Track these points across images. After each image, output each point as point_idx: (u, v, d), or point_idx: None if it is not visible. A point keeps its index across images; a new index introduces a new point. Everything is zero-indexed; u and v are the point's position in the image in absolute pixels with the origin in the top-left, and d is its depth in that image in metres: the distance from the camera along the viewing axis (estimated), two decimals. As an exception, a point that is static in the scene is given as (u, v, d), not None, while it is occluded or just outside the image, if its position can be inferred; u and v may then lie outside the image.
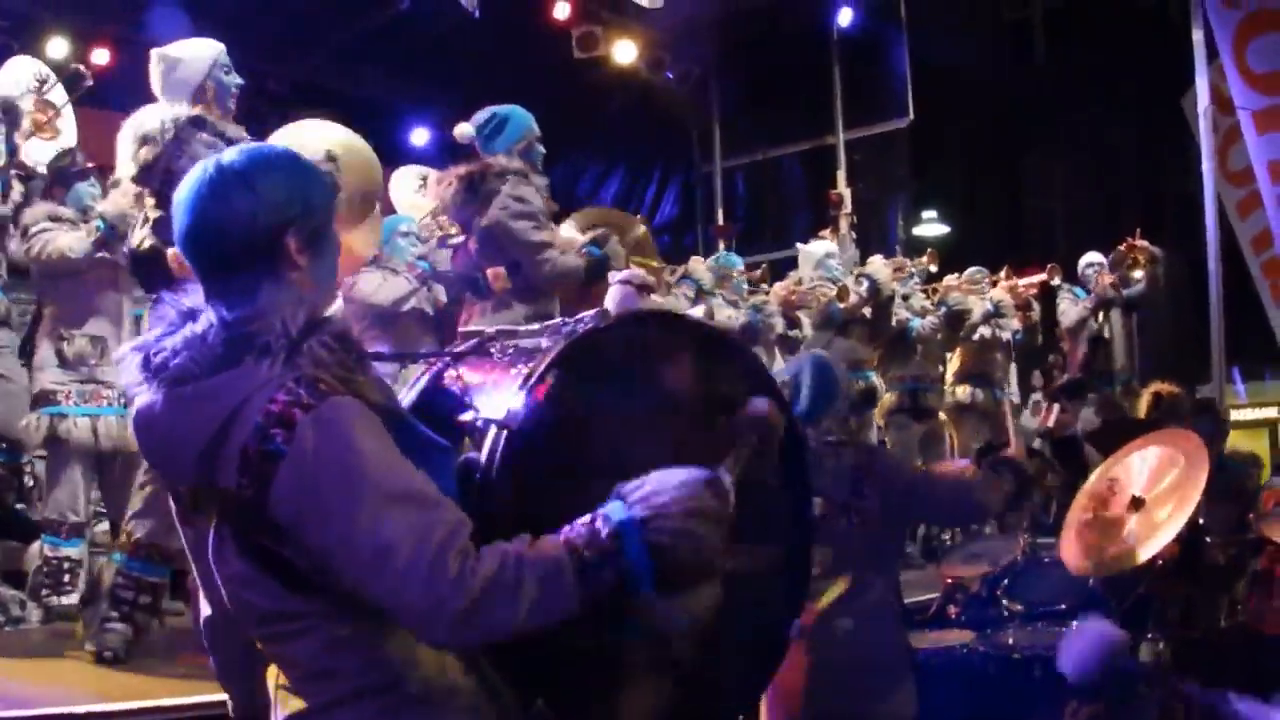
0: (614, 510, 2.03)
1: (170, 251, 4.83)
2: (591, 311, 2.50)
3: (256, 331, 2.07)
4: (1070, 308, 10.78)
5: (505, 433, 2.23)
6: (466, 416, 2.34)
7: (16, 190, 6.47)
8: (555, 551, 1.99)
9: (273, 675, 2.19)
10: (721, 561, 2.11)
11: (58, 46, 10.27)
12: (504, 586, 1.95)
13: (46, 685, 4.65)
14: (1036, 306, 11.23)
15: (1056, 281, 11.14)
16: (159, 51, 5.35)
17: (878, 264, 9.73)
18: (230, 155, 2.17)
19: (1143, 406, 7.32)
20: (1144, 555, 4.35)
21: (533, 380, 2.29)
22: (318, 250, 2.20)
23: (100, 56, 10.27)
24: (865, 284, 9.26)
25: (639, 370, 2.51)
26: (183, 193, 2.16)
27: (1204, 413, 6.89)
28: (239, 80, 5.41)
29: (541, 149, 5.76)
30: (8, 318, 6.80)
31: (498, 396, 2.34)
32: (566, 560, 1.98)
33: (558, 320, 2.60)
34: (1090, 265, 10.91)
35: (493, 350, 2.57)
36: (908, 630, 4.58)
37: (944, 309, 10.16)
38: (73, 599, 5.85)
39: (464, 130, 5.80)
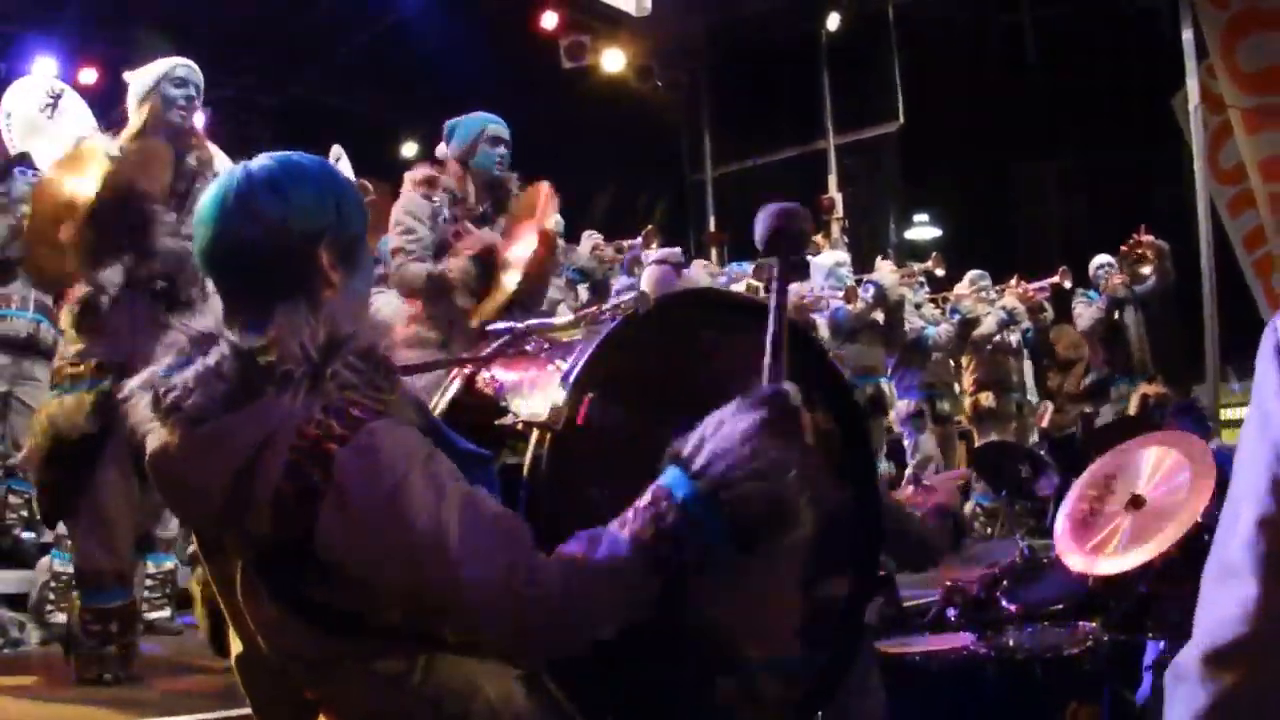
0: (676, 484, 1.89)
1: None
2: (629, 295, 2.36)
3: (275, 360, 1.92)
4: (1085, 310, 10.78)
5: (550, 435, 2.12)
6: (505, 420, 2.23)
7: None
8: (624, 545, 1.86)
9: None
10: (807, 500, 1.91)
11: (45, 67, 10.26)
12: (581, 596, 1.84)
13: (44, 708, 4.63)
14: (1049, 309, 11.25)
15: (1068, 285, 11.16)
16: (127, 74, 5.35)
17: (884, 269, 9.77)
18: (260, 162, 2.07)
19: (1132, 407, 7.33)
20: (1140, 559, 4.33)
21: (574, 375, 2.18)
22: (351, 266, 2.08)
23: (87, 76, 10.28)
24: (871, 289, 9.27)
25: (686, 353, 2.39)
26: (207, 204, 2.04)
27: (1186, 413, 6.87)
28: (191, 94, 5.31)
29: (496, 150, 5.69)
30: (39, 345, 6.80)
31: (536, 395, 2.23)
32: (636, 554, 1.85)
33: (593, 309, 2.47)
34: (1101, 267, 10.92)
35: (528, 347, 2.45)
36: (903, 633, 4.56)
37: (956, 316, 10.22)
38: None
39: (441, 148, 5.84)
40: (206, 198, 2.05)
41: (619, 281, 8.73)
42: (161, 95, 5.24)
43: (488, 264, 5.35)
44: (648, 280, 4.95)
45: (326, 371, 1.93)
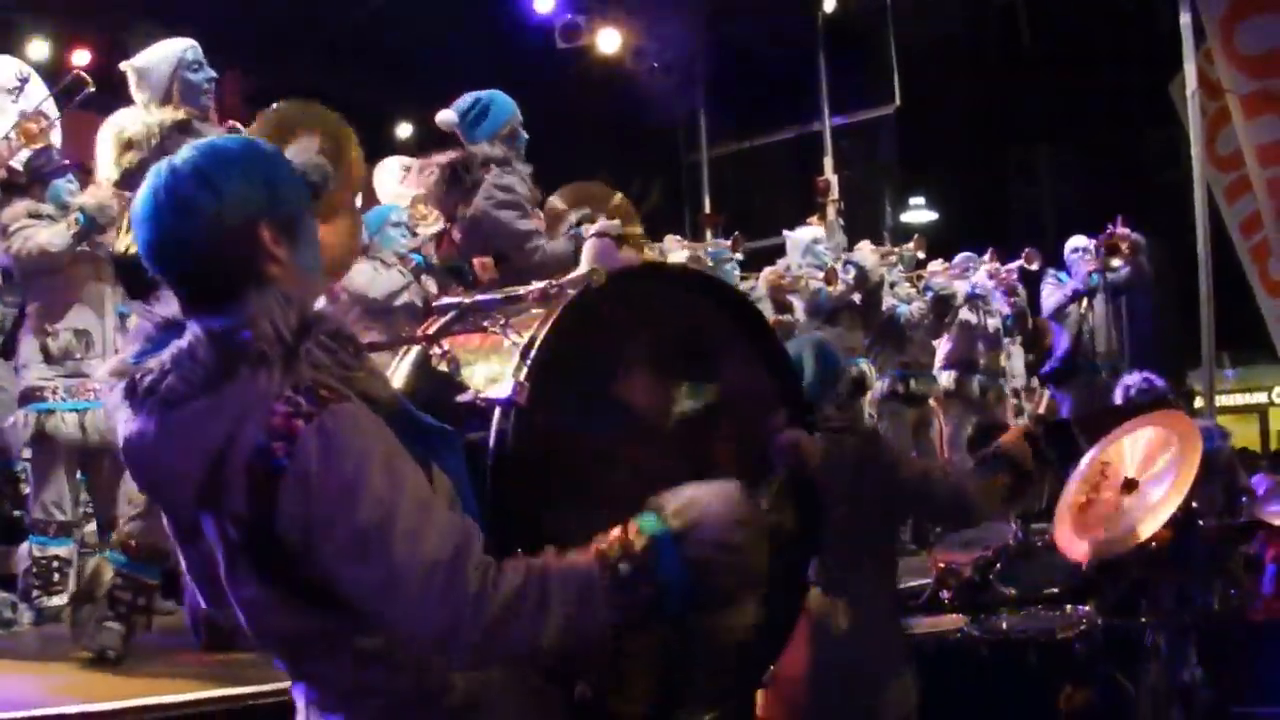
0: (648, 523, 1.92)
1: None
2: (577, 273, 2.37)
3: (249, 340, 1.90)
4: (1052, 293, 10.74)
5: (513, 410, 2.13)
6: (465, 398, 2.22)
7: None
8: (586, 566, 1.88)
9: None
10: (762, 579, 2.01)
11: (38, 48, 10.24)
12: (527, 605, 1.84)
13: (37, 687, 4.62)
14: (1022, 291, 11.22)
15: (1035, 266, 11.13)
16: (127, 64, 5.33)
17: (865, 250, 9.72)
18: (183, 154, 2.03)
19: (1117, 396, 7.33)
20: (1140, 537, 4.34)
21: (533, 350, 2.18)
22: (295, 239, 2.04)
23: (80, 58, 10.23)
24: (852, 271, 9.25)
25: (641, 326, 2.42)
26: (139, 203, 2.02)
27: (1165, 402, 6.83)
28: (210, 74, 5.35)
29: (525, 135, 5.70)
30: (1, 324, 6.79)
31: (494, 371, 2.24)
32: (598, 575, 1.87)
33: (543, 284, 2.45)
34: (1074, 250, 10.80)
35: (485, 323, 2.45)
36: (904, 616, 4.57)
37: (930, 294, 10.17)
38: (63, 599, 5.83)
39: (446, 117, 5.75)
40: (139, 197, 2.02)
41: None
42: (184, 82, 5.24)
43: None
44: (588, 254, 4.92)
45: (300, 350, 1.93)
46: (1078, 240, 10.86)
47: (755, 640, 2.55)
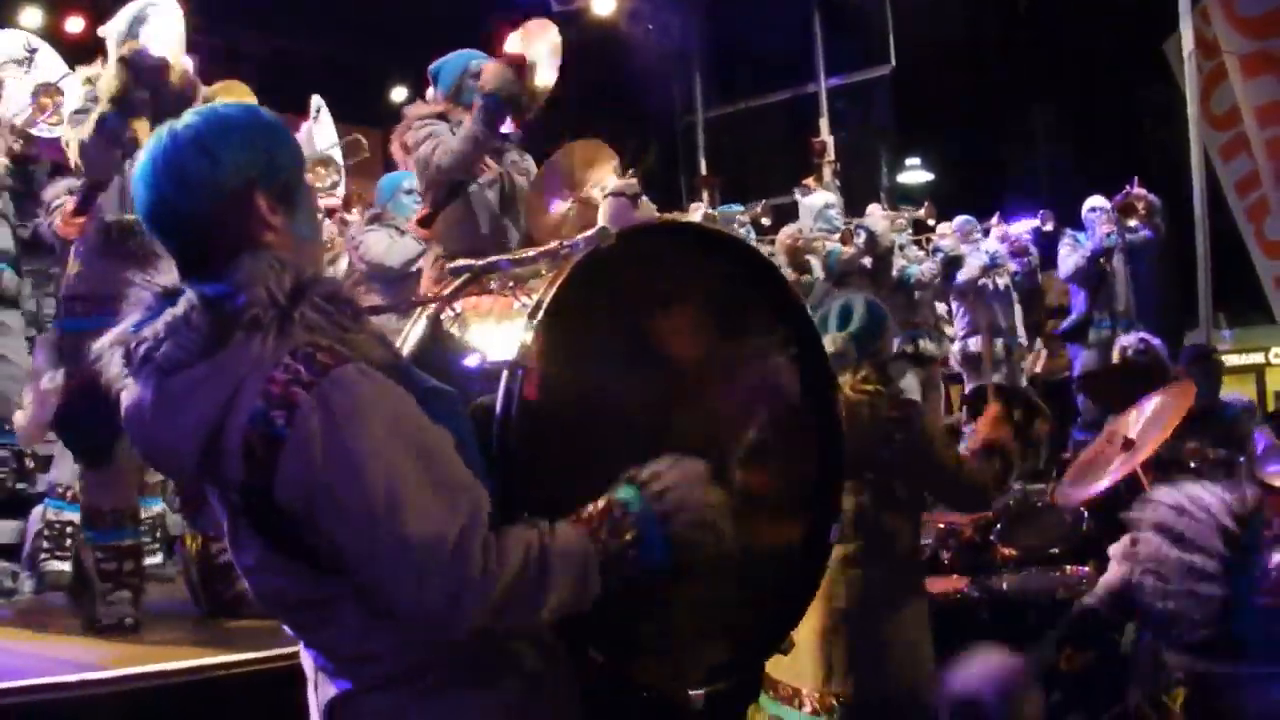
0: (632, 500, 2.00)
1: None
2: (589, 232, 2.33)
3: (243, 305, 1.91)
4: (1070, 254, 10.68)
5: (520, 371, 2.13)
6: (473, 361, 2.23)
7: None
8: (580, 542, 1.94)
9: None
10: (734, 547, 2.11)
11: (31, 16, 10.19)
12: (527, 583, 1.88)
13: (38, 656, 4.62)
14: (1034, 251, 11.21)
15: (1049, 227, 11.10)
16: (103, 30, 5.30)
17: (875, 215, 9.75)
18: (185, 120, 2.04)
19: (1114, 356, 7.34)
20: (1115, 477, 4.37)
21: (540, 311, 2.17)
22: (291, 206, 2.06)
23: (74, 25, 10.20)
24: (863, 235, 9.27)
25: (653, 288, 2.41)
26: (139, 170, 2.03)
27: (1199, 360, 6.83)
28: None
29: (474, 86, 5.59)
30: (17, 297, 6.76)
31: (504, 333, 2.24)
32: (591, 550, 1.94)
33: (554, 244, 2.43)
34: (1093, 210, 10.71)
35: (491, 284, 2.45)
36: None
37: (939, 254, 10.21)
38: (68, 565, 5.84)
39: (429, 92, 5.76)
40: (139, 163, 2.04)
41: None
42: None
43: (520, 68, 5.30)
44: (604, 213, 4.90)
45: (295, 314, 1.93)
46: (1095, 200, 10.78)
47: (774, 605, 2.56)
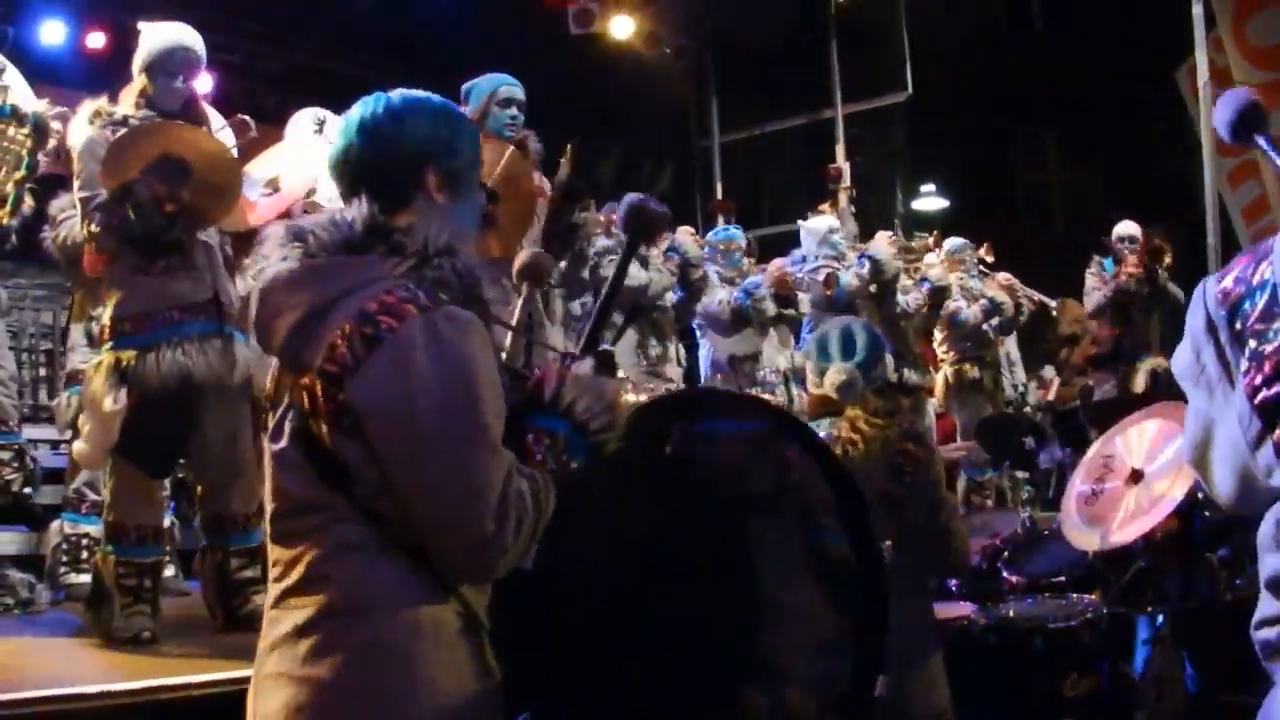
0: (557, 426, 2.27)
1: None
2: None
3: (399, 233, 2.20)
4: (1095, 287, 10.28)
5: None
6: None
7: (28, 205, 6.49)
8: (545, 479, 2.20)
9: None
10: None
11: (53, 31, 10.27)
12: (531, 525, 2.10)
13: (56, 667, 4.67)
14: (1026, 313, 11.05)
15: (1052, 304, 11.06)
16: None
17: (881, 242, 9.61)
18: (394, 95, 2.33)
19: (1139, 383, 7.30)
20: (1144, 528, 4.37)
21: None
22: (455, 192, 2.32)
23: (95, 41, 10.28)
24: (867, 264, 9.18)
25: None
26: (349, 118, 2.32)
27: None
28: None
29: (507, 112, 5.63)
30: None
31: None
32: (550, 481, 2.20)
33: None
34: (1121, 240, 10.27)
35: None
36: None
37: (926, 285, 10.07)
38: (88, 578, 5.88)
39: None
40: (351, 114, 2.34)
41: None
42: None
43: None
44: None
45: (434, 261, 2.18)
46: (1128, 229, 10.34)
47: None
